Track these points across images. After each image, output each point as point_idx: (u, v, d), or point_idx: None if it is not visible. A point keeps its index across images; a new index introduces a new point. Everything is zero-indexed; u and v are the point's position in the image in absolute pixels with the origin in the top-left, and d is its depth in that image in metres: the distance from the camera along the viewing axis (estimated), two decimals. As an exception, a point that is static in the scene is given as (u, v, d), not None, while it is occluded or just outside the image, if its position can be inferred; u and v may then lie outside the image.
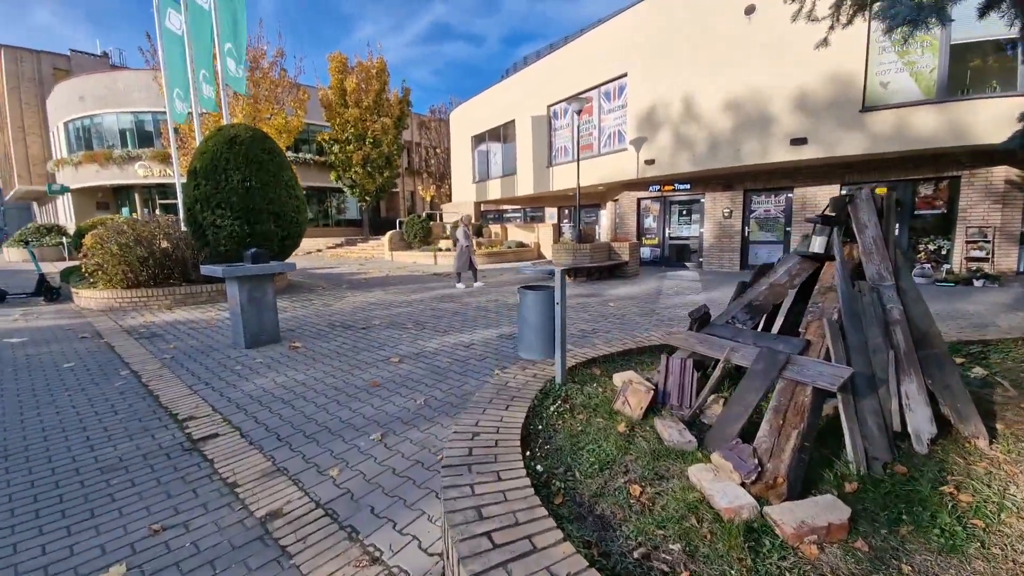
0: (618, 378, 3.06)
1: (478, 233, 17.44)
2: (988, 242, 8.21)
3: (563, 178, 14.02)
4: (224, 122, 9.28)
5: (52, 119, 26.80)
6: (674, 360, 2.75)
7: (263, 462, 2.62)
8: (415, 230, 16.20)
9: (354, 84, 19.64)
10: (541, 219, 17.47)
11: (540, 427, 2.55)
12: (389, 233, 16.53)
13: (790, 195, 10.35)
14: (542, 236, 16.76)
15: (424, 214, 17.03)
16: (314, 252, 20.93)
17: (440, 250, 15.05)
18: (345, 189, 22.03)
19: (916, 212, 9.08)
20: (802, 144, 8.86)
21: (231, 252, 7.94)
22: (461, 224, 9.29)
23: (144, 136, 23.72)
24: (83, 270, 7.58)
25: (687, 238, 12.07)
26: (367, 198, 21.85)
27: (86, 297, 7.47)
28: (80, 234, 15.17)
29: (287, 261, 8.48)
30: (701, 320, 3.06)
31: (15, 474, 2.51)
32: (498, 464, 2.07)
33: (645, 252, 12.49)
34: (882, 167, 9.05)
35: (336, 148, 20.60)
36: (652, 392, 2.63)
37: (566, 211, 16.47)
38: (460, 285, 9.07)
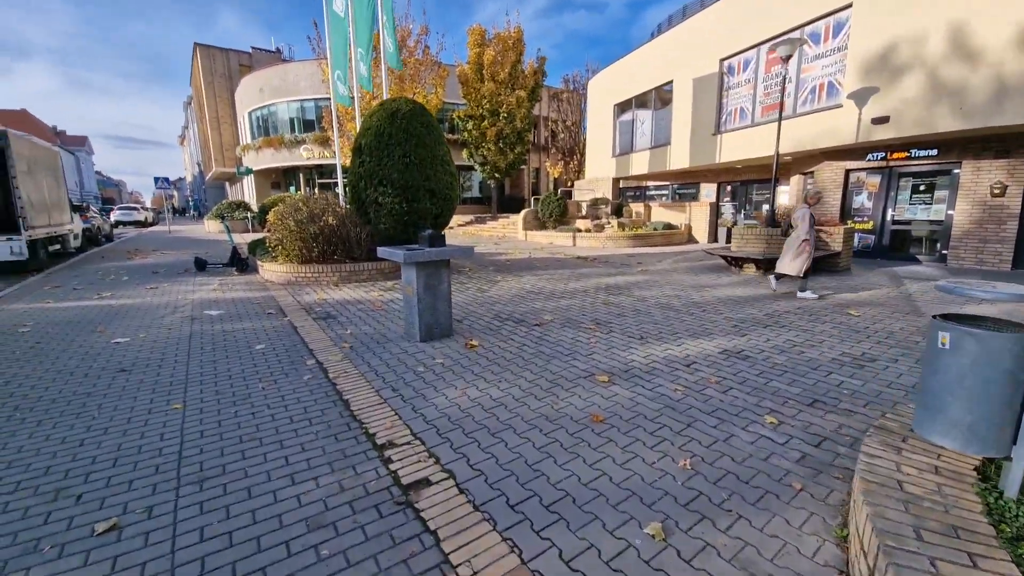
0: None
1: (617, 212, 15.91)
2: None
3: (734, 147, 11.73)
4: (385, 95, 9.14)
5: (239, 109, 31.40)
6: None
7: (504, 551, 1.79)
8: (551, 208, 15.27)
9: (492, 56, 19.10)
10: (692, 197, 15.23)
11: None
12: (523, 212, 15.87)
13: (1121, 163, 6.99)
14: (694, 217, 14.61)
15: (559, 191, 16.01)
16: (446, 230, 21.40)
17: (579, 231, 13.92)
18: (476, 167, 21.98)
19: None
20: None
21: (390, 230, 7.76)
22: (803, 204, 6.45)
23: (307, 122, 26.40)
24: (267, 244, 8.05)
25: (922, 222, 9.10)
26: (497, 175, 21.53)
27: (269, 270, 7.92)
28: (263, 210, 17.28)
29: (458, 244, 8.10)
30: None
31: (210, 517, 2.02)
32: None
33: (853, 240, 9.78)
34: None
35: (470, 125, 20.48)
36: None
37: (728, 188, 14.03)
38: (809, 294, 6.37)
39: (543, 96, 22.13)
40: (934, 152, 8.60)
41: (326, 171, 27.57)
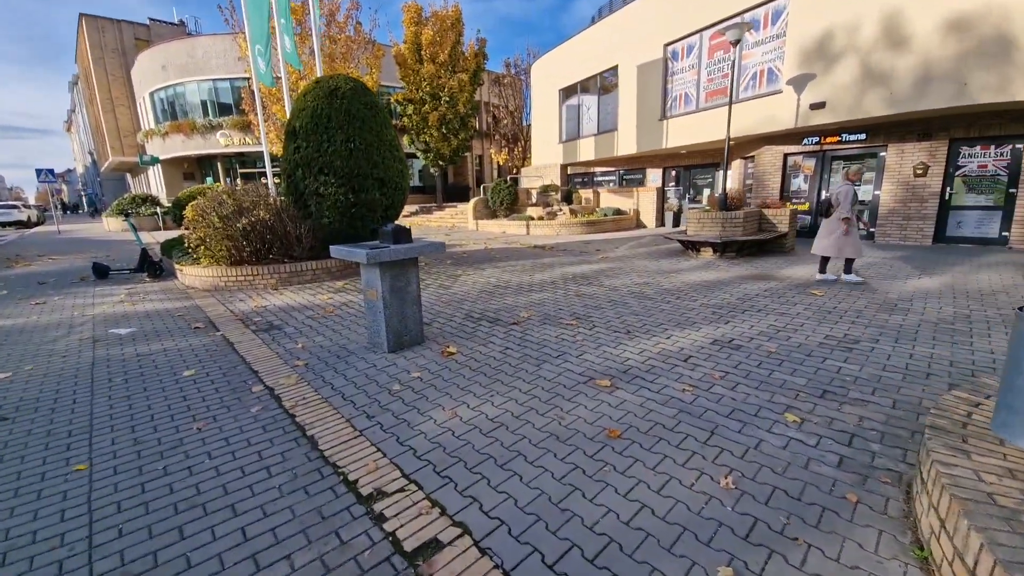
0: None
1: (567, 199, 15.81)
2: None
3: (681, 132, 11.92)
4: (318, 75, 8.16)
5: (138, 90, 27.65)
6: None
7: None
8: (501, 196, 14.83)
9: (430, 36, 18.09)
10: (639, 182, 15.46)
11: None
12: (473, 200, 15.29)
13: (1020, 146, 7.80)
14: (642, 202, 14.84)
15: (508, 179, 15.60)
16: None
17: (532, 219, 13.63)
18: (419, 154, 20.96)
19: None
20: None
21: (336, 224, 6.96)
22: (845, 180, 5.89)
23: (223, 105, 23.77)
24: (186, 245, 6.93)
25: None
26: (441, 163, 20.67)
27: (190, 275, 6.83)
28: (178, 204, 15.17)
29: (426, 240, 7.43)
30: None
31: (151, 634, 1.45)
32: None
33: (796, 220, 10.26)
34: None
35: (410, 109, 19.40)
36: None
37: (672, 172, 14.34)
38: (853, 277, 6.01)
39: (484, 80, 21.43)
40: (863, 136, 9.19)
41: (249, 159, 25.10)
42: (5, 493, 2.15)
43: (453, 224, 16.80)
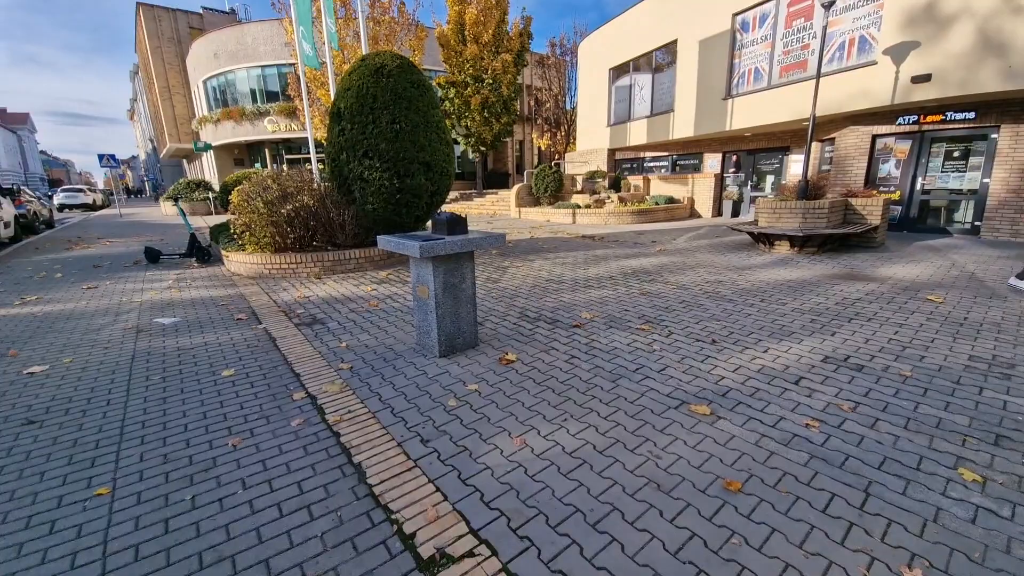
0: None
1: (615, 186, 14.97)
2: None
3: (748, 112, 10.85)
4: (363, 52, 7.79)
5: (192, 77, 28.60)
6: None
7: None
8: (546, 183, 14.18)
9: (474, 15, 17.45)
10: (694, 168, 14.38)
11: None
12: (516, 187, 14.72)
13: None
14: (697, 189, 13.82)
15: (553, 164, 14.89)
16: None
17: (578, 207, 12.94)
18: (459, 139, 20.54)
19: None
20: None
21: (380, 211, 6.62)
22: None
23: (271, 91, 24.17)
24: (232, 231, 6.80)
25: (954, 191, 8.49)
26: (482, 148, 20.16)
27: (236, 261, 6.70)
28: (225, 189, 15.49)
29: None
30: None
31: None
32: None
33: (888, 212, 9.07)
34: None
35: (452, 92, 18.92)
36: None
37: (733, 158, 13.21)
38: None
39: (528, 62, 20.62)
40: (971, 115, 7.92)
41: (295, 145, 25.54)
42: (16, 523, 1.86)
43: (495, 211, 16.33)
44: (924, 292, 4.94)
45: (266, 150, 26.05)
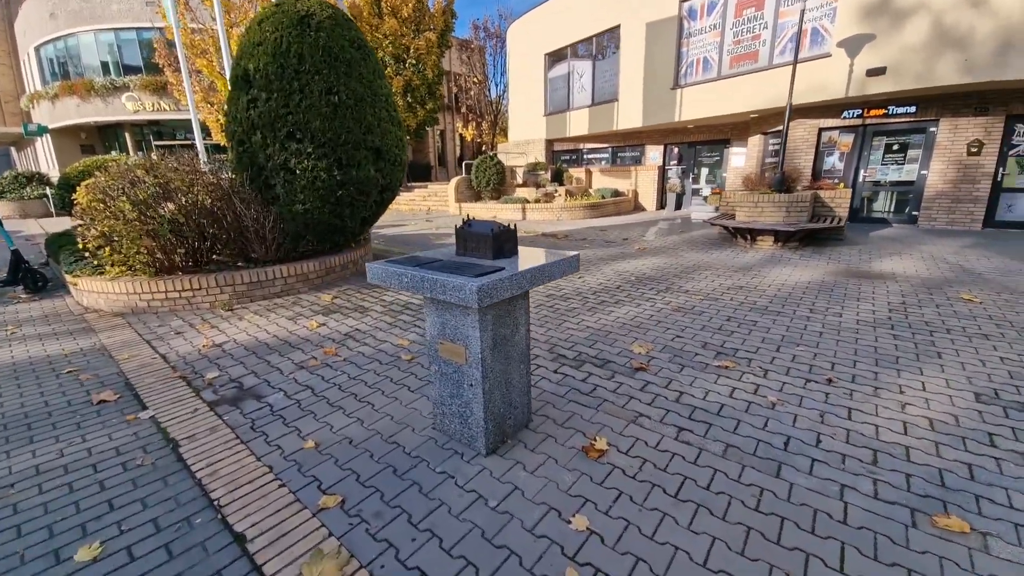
0: None
1: (557, 179, 14.19)
2: None
3: (698, 103, 10.59)
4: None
5: (21, 44, 22.42)
6: None
7: None
8: (488, 176, 12.91)
9: (391, -15, 15.44)
10: (636, 160, 14.10)
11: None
12: (454, 180, 13.23)
13: (1085, 122, 7.17)
14: (641, 182, 13.53)
15: (494, 156, 13.66)
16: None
17: (527, 202, 11.90)
18: (378, 126, 18.31)
19: None
20: None
21: (315, 212, 4.93)
22: None
23: (130, 63, 19.65)
24: (81, 244, 4.61)
25: (895, 183, 8.89)
26: (407, 137, 18.19)
27: (91, 292, 4.56)
28: (68, 184, 11.66)
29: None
30: None
31: None
32: None
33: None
34: None
35: (368, 73, 16.67)
36: None
37: (675, 150, 13.10)
38: None
39: (452, 43, 19.01)
40: (913, 109, 8.28)
41: (166, 129, 21.18)
42: None
43: (429, 207, 14.67)
44: (947, 290, 4.66)
45: (126, 134, 21.26)
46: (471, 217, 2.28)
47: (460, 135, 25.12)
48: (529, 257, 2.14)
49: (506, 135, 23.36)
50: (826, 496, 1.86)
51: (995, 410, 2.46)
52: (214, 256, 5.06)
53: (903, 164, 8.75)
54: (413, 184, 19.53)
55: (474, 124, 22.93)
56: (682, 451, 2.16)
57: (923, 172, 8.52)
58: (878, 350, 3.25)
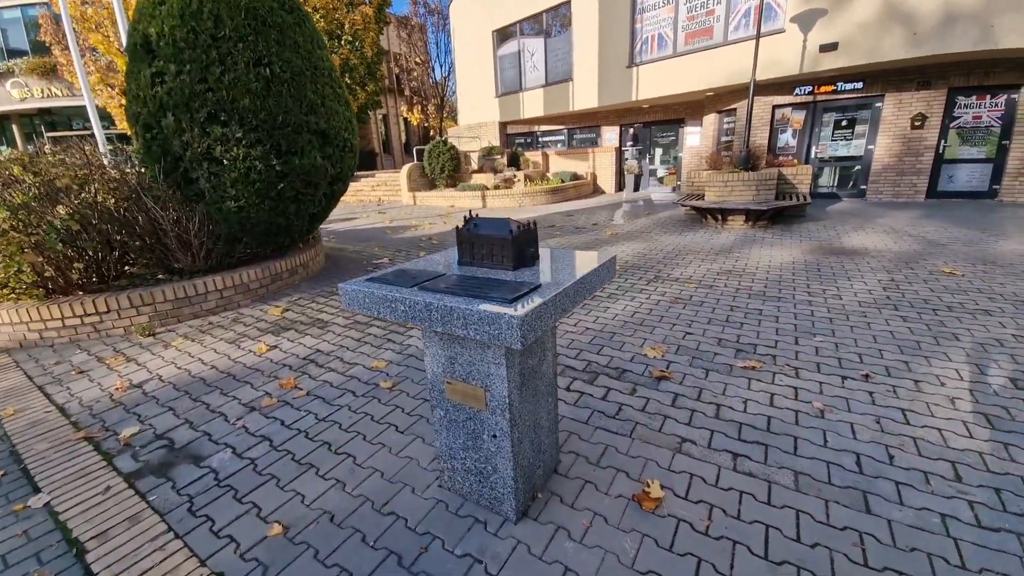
0: None
1: (514, 163, 13.66)
2: None
3: (654, 82, 10.40)
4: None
5: None
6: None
7: None
8: (442, 162, 12.13)
9: (318, -48, 13.97)
10: (592, 142, 13.84)
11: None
12: (406, 168, 12.33)
13: (1014, 95, 7.59)
14: (599, 164, 13.30)
15: (447, 141, 12.84)
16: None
17: (486, 189, 11.30)
18: (315, 111, 16.82)
19: None
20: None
21: (250, 212, 4.14)
22: None
23: (15, 47, 16.77)
24: (-65, 264, 3.58)
25: (845, 159, 9.15)
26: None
27: (-44, 323, 3.56)
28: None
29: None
30: None
31: None
32: None
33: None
34: None
35: (300, 52, 15.15)
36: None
37: (630, 131, 12.94)
38: None
39: (391, 20, 17.75)
40: (860, 85, 8.49)
41: (60, 118, 18.46)
42: None
43: (379, 198, 13.67)
44: (924, 264, 4.69)
45: (14, 126, 18.31)
46: (475, 214, 1.75)
47: (405, 119, 23.80)
48: (557, 264, 1.66)
49: (455, 119, 22.40)
50: (931, 533, 1.56)
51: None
52: (126, 269, 4.16)
53: (851, 140, 9.02)
54: (360, 173, 18.25)
55: (419, 108, 21.75)
56: (749, 487, 1.79)
57: (870, 147, 8.82)
58: (895, 335, 3.09)
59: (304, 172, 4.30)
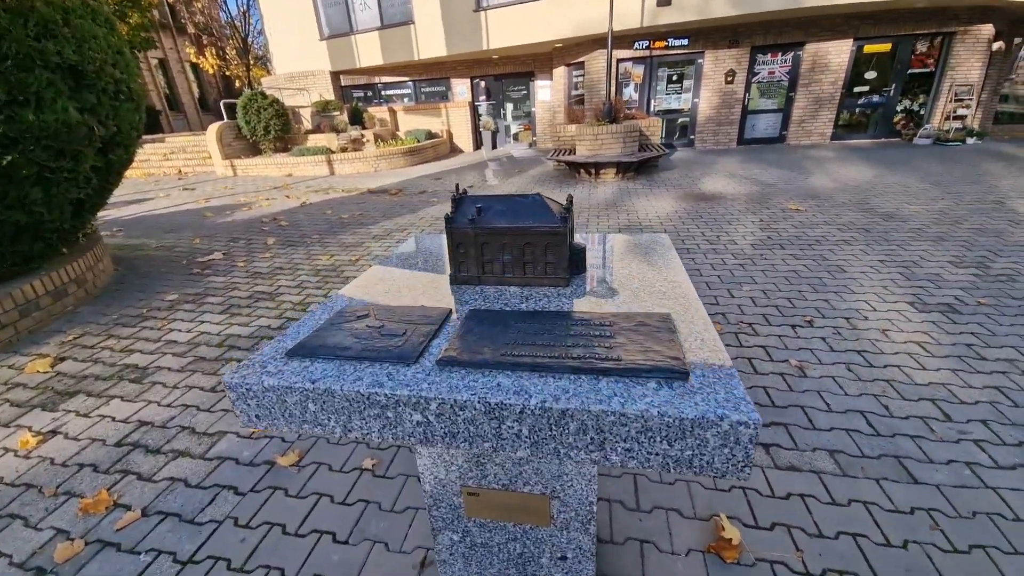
0: None
1: (357, 121, 11.87)
2: (972, 99, 8.73)
3: (504, 30, 9.81)
4: None
5: None
6: None
7: None
8: (265, 120, 9.70)
9: None
10: (442, 96, 12.76)
11: None
12: (216, 127, 9.52)
13: (799, 52, 9.13)
14: (454, 121, 12.40)
15: (262, 91, 10.25)
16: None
17: (331, 152, 9.52)
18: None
19: (911, 71, 9.04)
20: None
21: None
22: None
23: None
24: None
25: (677, 111, 10.05)
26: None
27: None
28: None
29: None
30: None
31: None
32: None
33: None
34: (898, 19, 8.44)
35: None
36: None
37: (482, 84, 12.23)
38: None
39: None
40: (685, 41, 9.26)
41: None
42: None
43: (179, 170, 10.47)
44: (772, 203, 5.33)
45: None
46: (464, 191, 1.00)
47: (194, 65, 18.78)
48: (624, 263, 1.05)
49: (267, 68, 18.53)
50: (974, 488, 1.51)
51: (937, 317, 2.62)
52: None
53: (681, 93, 9.96)
54: (143, 137, 13.88)
55: (213, 50, 17.30)
56: (803, 486, 1.55)
57: (696, 100, 9.86)
58: (800, 274, 3.30)
59: (49, 134, 2.67)
